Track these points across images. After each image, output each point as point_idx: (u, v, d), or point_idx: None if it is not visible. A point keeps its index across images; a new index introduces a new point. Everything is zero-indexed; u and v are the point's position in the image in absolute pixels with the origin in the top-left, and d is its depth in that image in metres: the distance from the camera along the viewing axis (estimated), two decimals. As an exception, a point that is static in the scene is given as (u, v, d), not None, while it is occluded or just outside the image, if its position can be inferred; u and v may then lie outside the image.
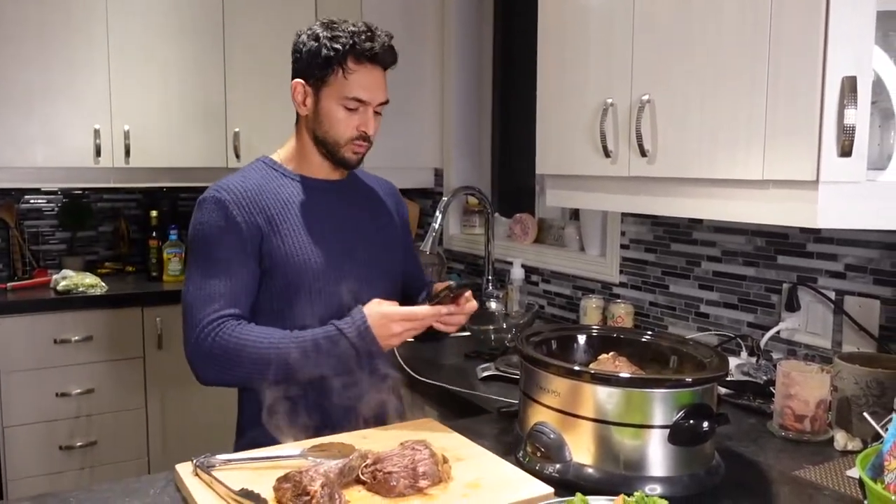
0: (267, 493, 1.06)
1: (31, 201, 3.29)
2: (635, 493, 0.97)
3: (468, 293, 1.38)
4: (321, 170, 1.46)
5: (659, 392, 1.10)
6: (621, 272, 2.19)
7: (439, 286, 1.38)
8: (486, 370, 1.81)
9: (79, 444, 2.87)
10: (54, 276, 2.96)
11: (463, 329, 2.25)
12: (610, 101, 1.60)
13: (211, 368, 1.31)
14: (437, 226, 2.34)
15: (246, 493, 1.02)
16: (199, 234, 1.36)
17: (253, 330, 1.32)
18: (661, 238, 2.05)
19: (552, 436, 1.17)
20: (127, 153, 3.04)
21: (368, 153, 1.45)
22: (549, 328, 1.41)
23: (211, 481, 1.10)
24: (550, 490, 1.11)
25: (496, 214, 2.86)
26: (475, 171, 3.03)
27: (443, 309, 1.34)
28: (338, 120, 1.38)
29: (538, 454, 1.18)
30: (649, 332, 1.39)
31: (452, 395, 1.69)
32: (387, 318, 1.30)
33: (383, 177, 1.68)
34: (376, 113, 1.41)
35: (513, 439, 1.32)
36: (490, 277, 2.57)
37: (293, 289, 1.38)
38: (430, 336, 1.51)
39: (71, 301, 2.85)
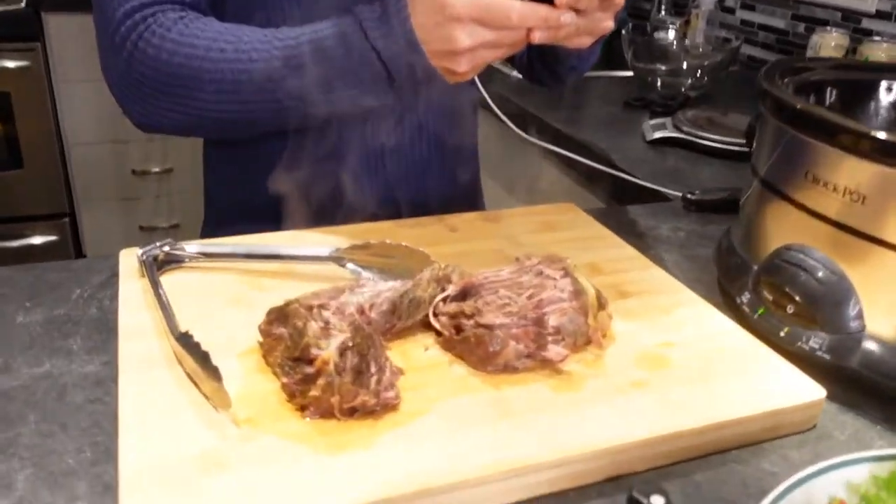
0: (249, 329, 0.54)
1: None
2: None
3: None
4: None
5: None
6: (883, -6, 1.41)
7: None
8: (658, 129, 1.18)
9: (154, 169, 2.51)
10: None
11: (616, 66, 1.60)
12: None
13: (139, 97, 0.70)
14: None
15: (189, 345, 0.50)
16: None
17: (205, 28, 0.67)
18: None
19: (823, 275, 0.57)
20: None
21: None
22: (823, 63, 0.74)
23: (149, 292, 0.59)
24: (818, 393, 0.53)
25: None
26: None
27: (559, 11, 0.61)
28: None
29: (788, 306, 0.59)
30: None
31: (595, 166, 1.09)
32: (445, 10, 0.59)
33: None
34: None
35: (722, 259, 0.72)
36: (665, -2, 1.83)
37: None
38: (545, 65, 0.86)
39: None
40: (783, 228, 0.62)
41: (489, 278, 0.59)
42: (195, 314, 0.57)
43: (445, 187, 0.88)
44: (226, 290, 0.62)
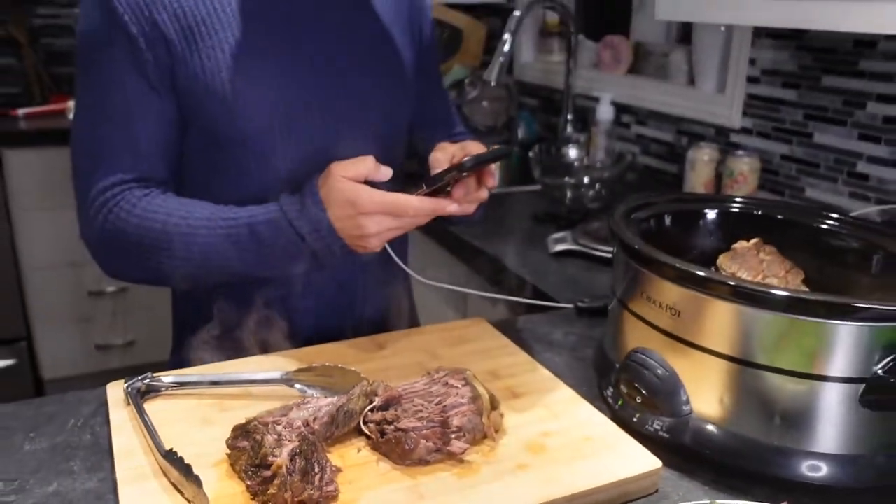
0: (218, 443, 0.70)
1: (47, 14, 2.88)
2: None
3: (490, 167, 0.84)
4: None
5: (849, 327, 0.66)
6: (745, 114, 1.67)
7: (445, 154, 0.87)
8: (559, 242, 1.38)
9: (110, 289, 2.62)
10: (70, 103, 2.61)
11: (531, 181, 1.82)
12: None
13: (110, 257, 0.89)
14: (505, 49, 1.83)
15: (173, 460, 0.65)
16: (80, 50, 0.85)
17: (164, 205, 0.85)
18: (810, 69, 1.50)
19: (660, 373, 0.76)
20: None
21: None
22: (664, 198, 0.95)
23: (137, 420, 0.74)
24: (656, 464, 0.71)
25: (580, 37, 2.31)
26: (557, -19, 2.44)
27: (446, 202, 0.82)
28: None
29: (637, 398, 0.77)
30: (833, 217, 0.91)
31: (510, 277, 1.28)
32: (356, 207, 0.79)
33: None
34: None
35: (597, 360, 0.91)
36: (569, 117, 2.09)
37: (222, 144, 0.89)
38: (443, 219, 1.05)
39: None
40: (633, 336, 0.80)
41: (407, 390, 0.75)
42: (175, 433, 0.72)
43: (380, 312, 1.06)
44: (198, 413, 0.77)
